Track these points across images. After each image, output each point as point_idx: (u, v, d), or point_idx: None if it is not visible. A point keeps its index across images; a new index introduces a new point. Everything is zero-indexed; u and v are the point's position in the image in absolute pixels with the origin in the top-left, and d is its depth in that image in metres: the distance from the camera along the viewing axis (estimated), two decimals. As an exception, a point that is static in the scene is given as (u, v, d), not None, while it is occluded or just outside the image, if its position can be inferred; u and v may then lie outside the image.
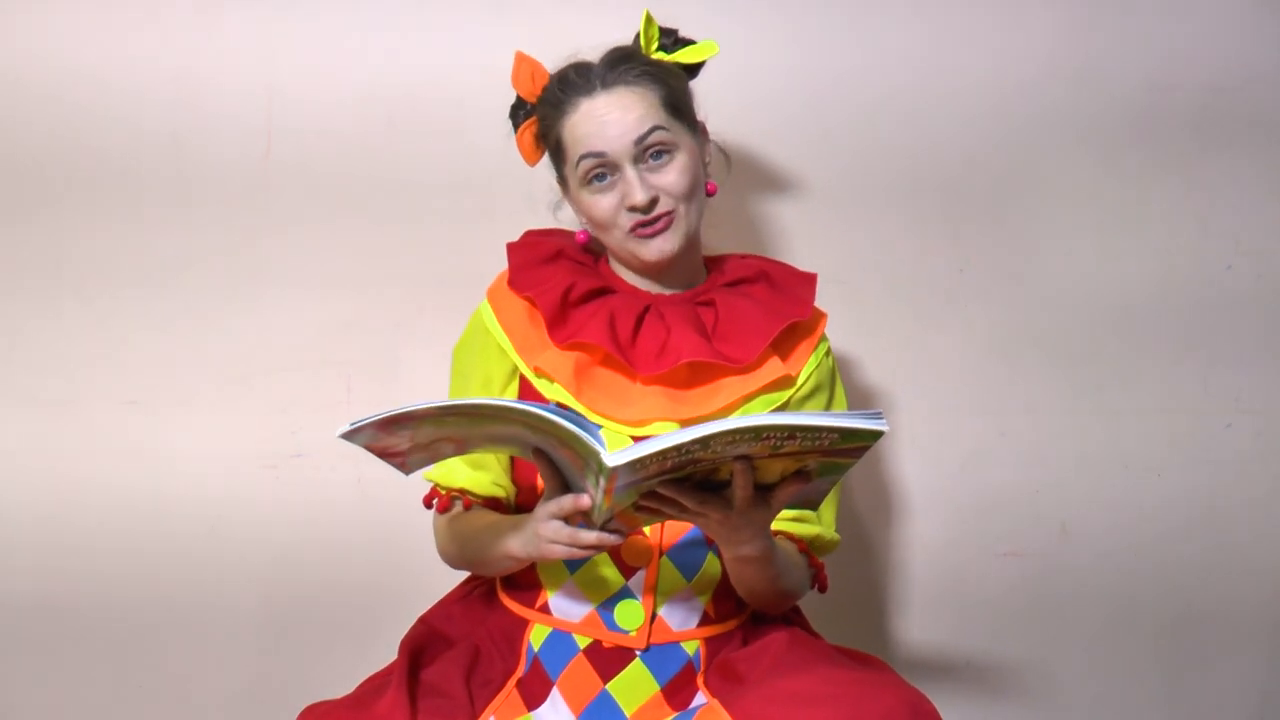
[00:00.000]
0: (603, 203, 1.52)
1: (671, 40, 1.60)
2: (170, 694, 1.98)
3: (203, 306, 1.93)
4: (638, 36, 1.58)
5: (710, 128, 1.62)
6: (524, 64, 1.58)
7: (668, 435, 1.21)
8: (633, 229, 1.52)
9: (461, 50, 1.91)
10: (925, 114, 1.94)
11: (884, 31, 1.93)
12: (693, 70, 1.61)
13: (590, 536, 1.36)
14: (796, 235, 1.95)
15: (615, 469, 1.21)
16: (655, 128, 1.50)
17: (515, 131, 1.62)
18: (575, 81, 1.52)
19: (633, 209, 1.50)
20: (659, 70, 1.54)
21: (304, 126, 1.91)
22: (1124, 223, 1.97)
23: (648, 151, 1.50)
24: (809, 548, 1.57)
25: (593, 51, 1.55)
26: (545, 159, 1.61)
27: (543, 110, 1.56)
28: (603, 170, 1.51)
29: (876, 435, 1.21)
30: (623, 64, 1.52)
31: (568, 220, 1.64)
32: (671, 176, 1.51)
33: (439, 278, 1.90)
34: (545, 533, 1.38)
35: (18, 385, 1.94)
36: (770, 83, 1.90)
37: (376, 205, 1.92)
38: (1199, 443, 2.01)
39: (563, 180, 1.58)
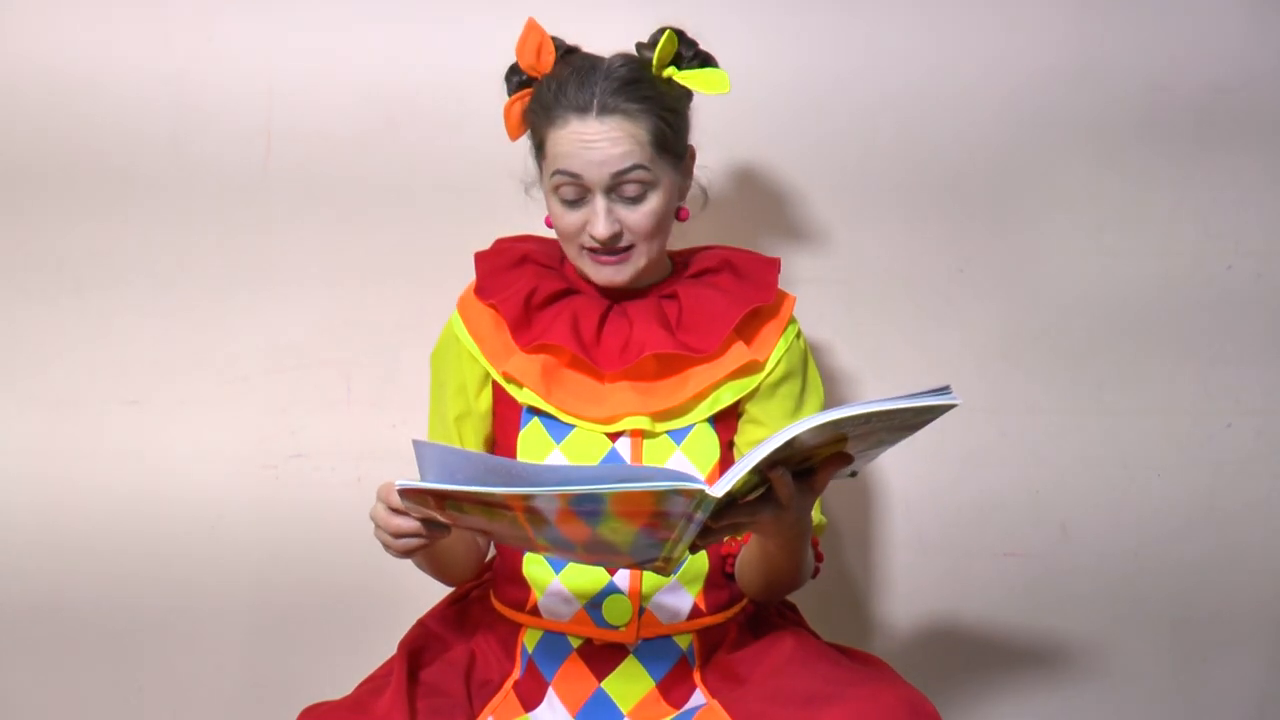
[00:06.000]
0: (567, 218, 1.52)
1: (691, 53, 1.55)
2: (170, 694, 1.98)
3: (203, 306, 1.93)
4: (650, 47, 1.53)
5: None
6: (533, 34, 1.54)
7: (754, 451, 1.24)
8: (589, 249, 1.52)
9: (461, 49, 1.91)
10: (925, 114, 1.94)
11: (884, 31, 1.93)
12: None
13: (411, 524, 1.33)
14: (797, 235, 1.95)
15: (717, 498, 1.23)
16: (636, 166, 1.48)
17: (508, 94, 1.58)
18: (573, 96, 1.48)
19: (593, 237, 1.51)
20: (660, 102, 1.50)
21: (304, 126, 1.91)
22: (1124, 223, 1.97)
23: (623, 186, 1.49)
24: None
25: (603, 46, 1.54)
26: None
27: (535, 102, 1.54)
28: (574, 190, 1.50)
29: (949, 408, 1.28)
30: (626, 90, 1.48)
31: (540, 197, 1.62)
32: (639, 216, 1.50)
33: (439, 278, 1.89)
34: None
35: (18, 385, 1.94)
36: (770, 82, 1.90)
37: (376, 205, 1.93)
38: (1199, 443, 2.00)
39: (538, 167, 1.57)
